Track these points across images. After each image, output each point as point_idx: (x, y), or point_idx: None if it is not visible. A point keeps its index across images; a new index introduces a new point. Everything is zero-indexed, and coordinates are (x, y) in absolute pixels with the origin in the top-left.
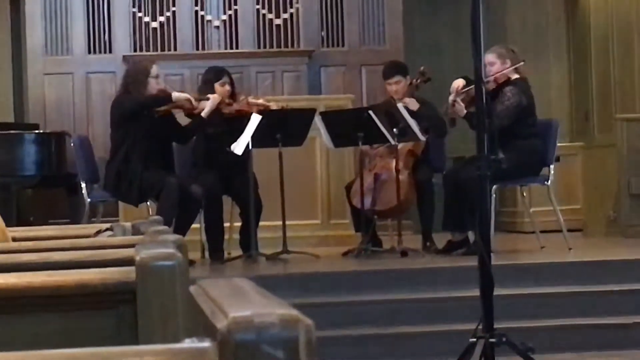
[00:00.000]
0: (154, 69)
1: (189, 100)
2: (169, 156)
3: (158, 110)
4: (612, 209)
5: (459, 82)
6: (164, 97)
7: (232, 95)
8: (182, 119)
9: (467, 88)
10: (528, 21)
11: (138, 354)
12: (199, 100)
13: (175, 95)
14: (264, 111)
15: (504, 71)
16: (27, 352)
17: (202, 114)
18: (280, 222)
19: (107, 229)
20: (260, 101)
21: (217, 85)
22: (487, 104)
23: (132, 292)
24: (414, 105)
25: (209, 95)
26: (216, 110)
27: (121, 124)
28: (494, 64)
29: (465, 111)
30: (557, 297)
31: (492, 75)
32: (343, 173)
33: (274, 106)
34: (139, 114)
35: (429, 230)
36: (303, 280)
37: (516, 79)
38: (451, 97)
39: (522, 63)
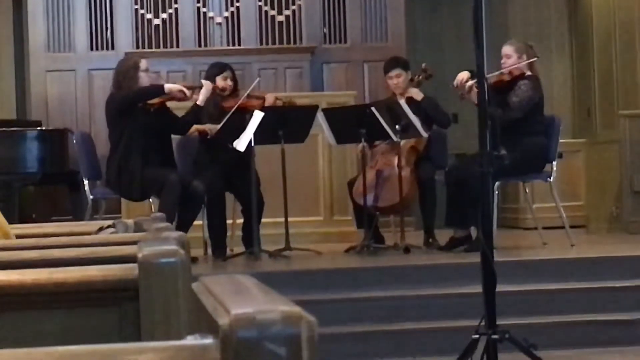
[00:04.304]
0: (143, 63)
1: (181, 91)
2: (168, 151)
3: (152, 103)
4: (614, 205)
5: (464, 75)
6: (156, 88)
7: (234, 92)
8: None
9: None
10: (530, 17)
11: (140, 350)
12: (192, 89)
13: (168, 86)
14: (266, 108)
15: (520, 64)
16: (30, 349)
17: (198, 102)
18: (283, 219)
19: (109, 226)
20: (257, 94)
21: (218, 79)
22: (500, 96)
23: (135, 289)
24: (418, 95)
25: (202, 81)
26: (217, 106)
27: (117, 121)
28: (511, 57)
29: None
30: (559, 294)
31: (508, 67)
32: (345, 170)
33: (270, 98)
34: (133, 107)
35: (431, 226)
36: (305, 276)
37: (530, 75)
38: (469, 83)
39: (536, 59)
